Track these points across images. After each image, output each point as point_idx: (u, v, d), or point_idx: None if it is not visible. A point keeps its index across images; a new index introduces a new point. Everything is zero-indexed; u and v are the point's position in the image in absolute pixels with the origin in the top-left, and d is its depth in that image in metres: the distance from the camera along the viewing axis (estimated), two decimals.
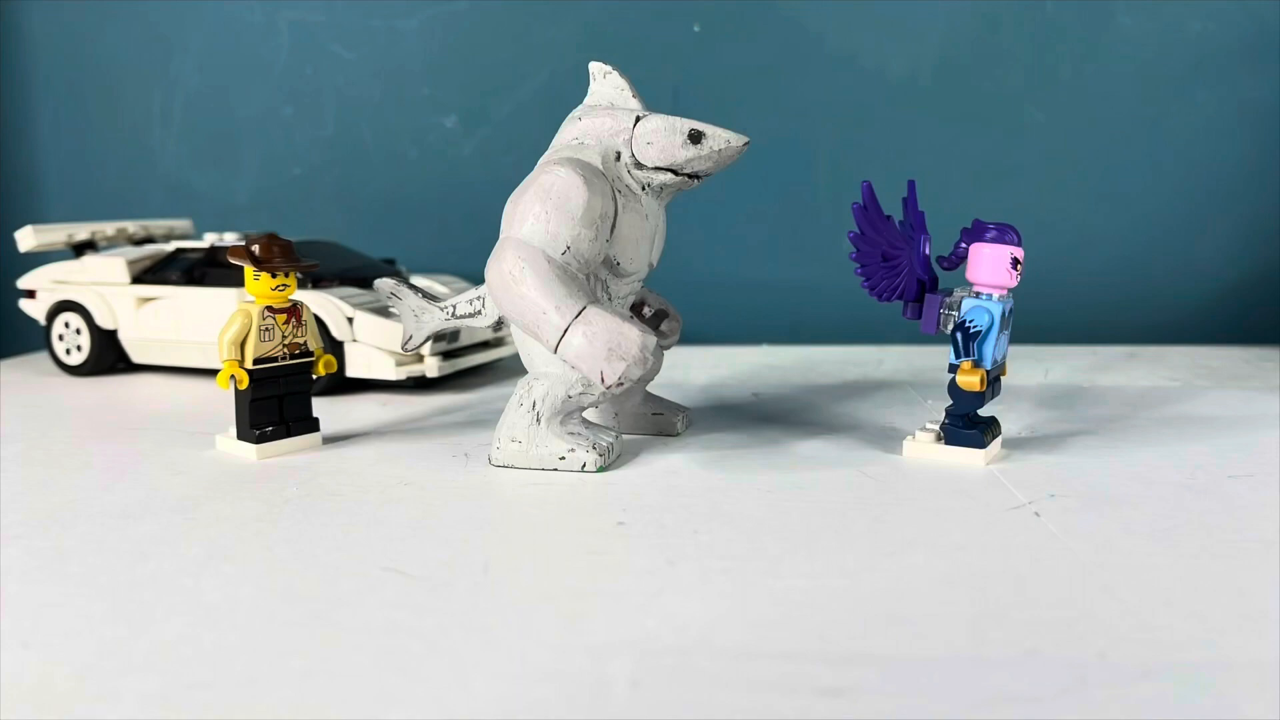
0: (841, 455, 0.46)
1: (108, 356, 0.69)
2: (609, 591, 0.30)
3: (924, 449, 0.46)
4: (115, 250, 0.71)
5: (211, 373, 0.66)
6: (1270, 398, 0.59)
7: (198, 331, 0.65)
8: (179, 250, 0.70)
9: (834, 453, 0.47)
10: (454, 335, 0.63)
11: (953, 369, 0.44)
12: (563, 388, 0.43)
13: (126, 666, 0.26)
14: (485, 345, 0.66)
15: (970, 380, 0.43)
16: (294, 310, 0.48)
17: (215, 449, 0.48)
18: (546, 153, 0.45)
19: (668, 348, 0.51)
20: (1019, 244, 0.44)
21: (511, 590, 0.30)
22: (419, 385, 0.63)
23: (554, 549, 0.34)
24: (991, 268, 0.44)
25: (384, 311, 0.62)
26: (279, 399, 0.47)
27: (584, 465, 0.43)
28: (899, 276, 0.45)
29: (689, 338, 0.60)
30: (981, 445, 0.44)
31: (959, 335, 0.44)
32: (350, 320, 0.61)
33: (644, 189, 0.45)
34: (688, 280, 0.74)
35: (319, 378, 0.49)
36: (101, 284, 0.69)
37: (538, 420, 0.44)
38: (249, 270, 0.46)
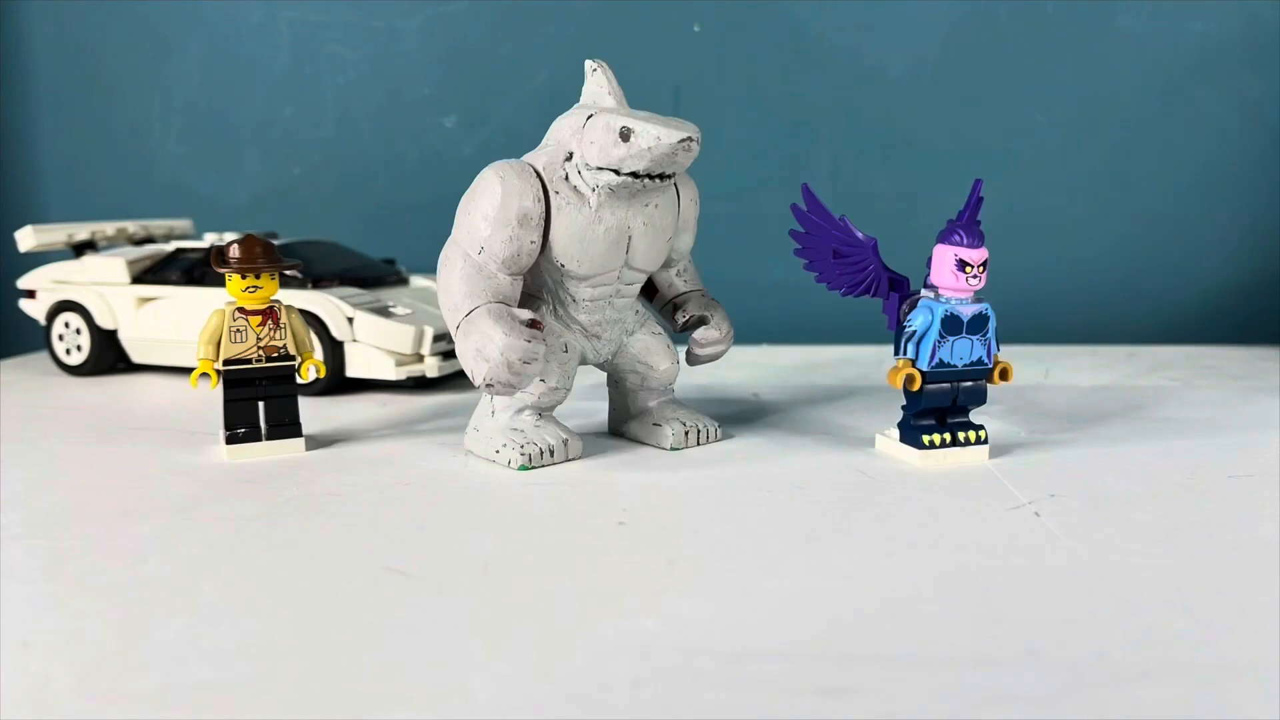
0: (841, 455, 0.46)
1: (108, 356, 0.69)
2: (609, 591, 0.30)
3: (888, 446, 0.46)
4: (115, 250, 0.71)
5: None
6: (1270, 398, 0.59)
7: (198, 332, 0.65)
8: (179, 250, 0.70)
9: (834, 453, 0.47)
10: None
11: None
12: None
13: (126, 666, 0.26)
14: None
15: (893, 377, 0.44)
16: (269, 312, 0.47)
17: (215, 449, 0.48)
18: None
19: (704, 359, 0.49)
20: (974, 245, 0.43)
21: (511, 590, 0.30)
22: (419, 385, 0.63)
23: (554, 549, 0.34)
24: (938, 269, 0.44)
25: (384, 311, 0.62)
26: (258, 402, 0.47)
27: (509, 462, 0.44)
28: (863, 273, 0.46)
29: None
30: (918, 445, 0.45)
31: (897, 333, 0.45)
32: (350, 320, 0.61)
33: (594, 190, 0.43)
34: None
35: (318, 379, 0.48)
36: (101, 284, 0.69)
37: (492, 413, 0.46)
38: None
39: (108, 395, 0.63)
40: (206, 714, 0.23)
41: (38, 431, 0.52)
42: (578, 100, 0.47)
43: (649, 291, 0.51)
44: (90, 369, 0.69)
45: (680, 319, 0.49)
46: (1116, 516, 0.37)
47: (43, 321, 0.70)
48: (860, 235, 0.46)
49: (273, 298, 0.47)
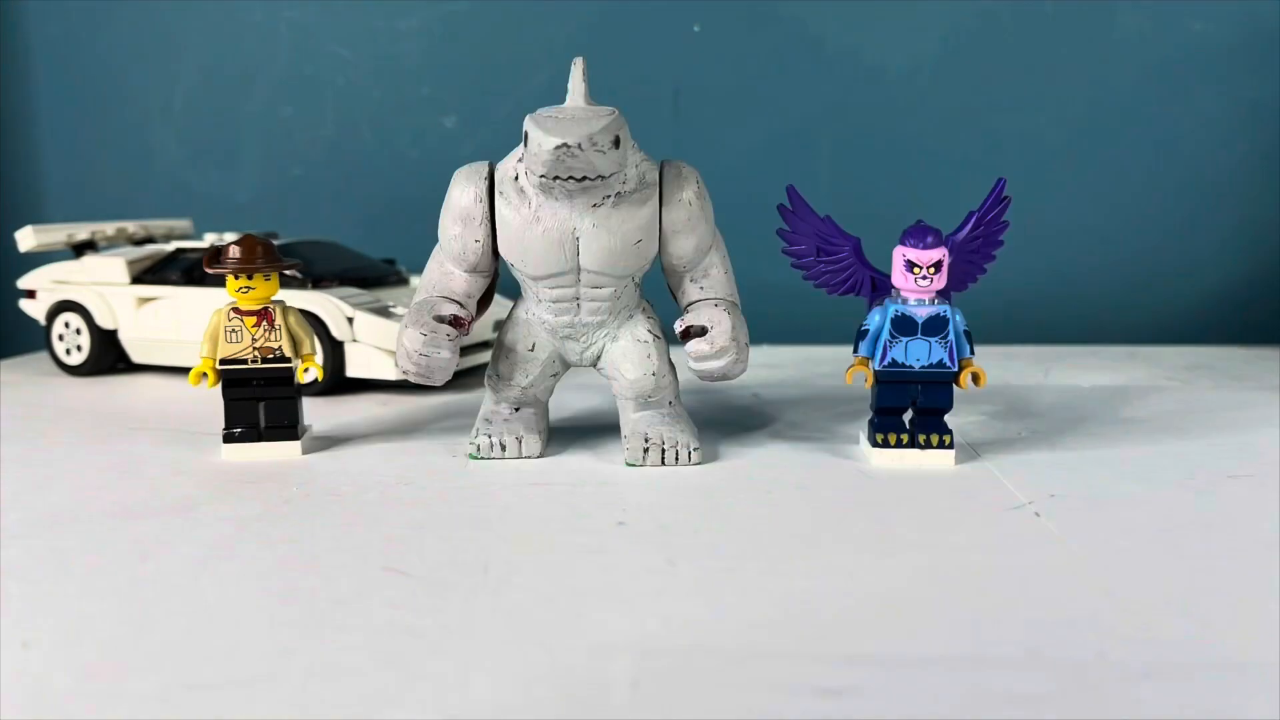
0: (842, 455, 0.46)
1: (108, 356, 0.69)
2: (609, 591, 0.30)
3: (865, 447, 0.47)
4: (115, 250, 0.71)
5: None
6: (1270, 398, 0.59)
7: (198, 332, 0.65)
8: (179, 250, 0.70)
9: (834, 453, 0.47)
10: None
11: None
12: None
13: (126, 666, 0.26)
14: (485, 345, 0.66)
15: (848, 374, 0.45)
16: (264, 314, 0.46)
17: (216, 449, 0.48)
18: None
19: (701, 373, 0.45)
20: (921, 246, 0.43)
21: (511, 590, 0.30)
22: (419, 385, 0.63)
23: (554, 549, 0.34)
24: (894, 270, 0.44)
25: (384, 311, 0.62)
26: (257, 403, 0.47)
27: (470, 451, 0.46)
28: (845, 271, 0.47)
29: None
30: (872, 442, 0.45)
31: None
32: (350, 320, 0.61)
33: (535, 190, 0.42)
34: None
35: (316, 380, 0.48)
36: (101, 284, 0.69)
37: (486, 402, 0.49)
38: None
39: (108, 395, 0.63)
40: (206, 714, 0.23)
41: (38, 431, 0.52)
42: None
43: None
44: (90, 369, 0.69)
45: (678, 328, 0.45)
46: (1116, 516, 0.37)
47: (43, 321, 0.70)
48: (843, 235, 0.47)
49: (272, 298, 0.47)
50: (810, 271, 0.48)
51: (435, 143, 0.89)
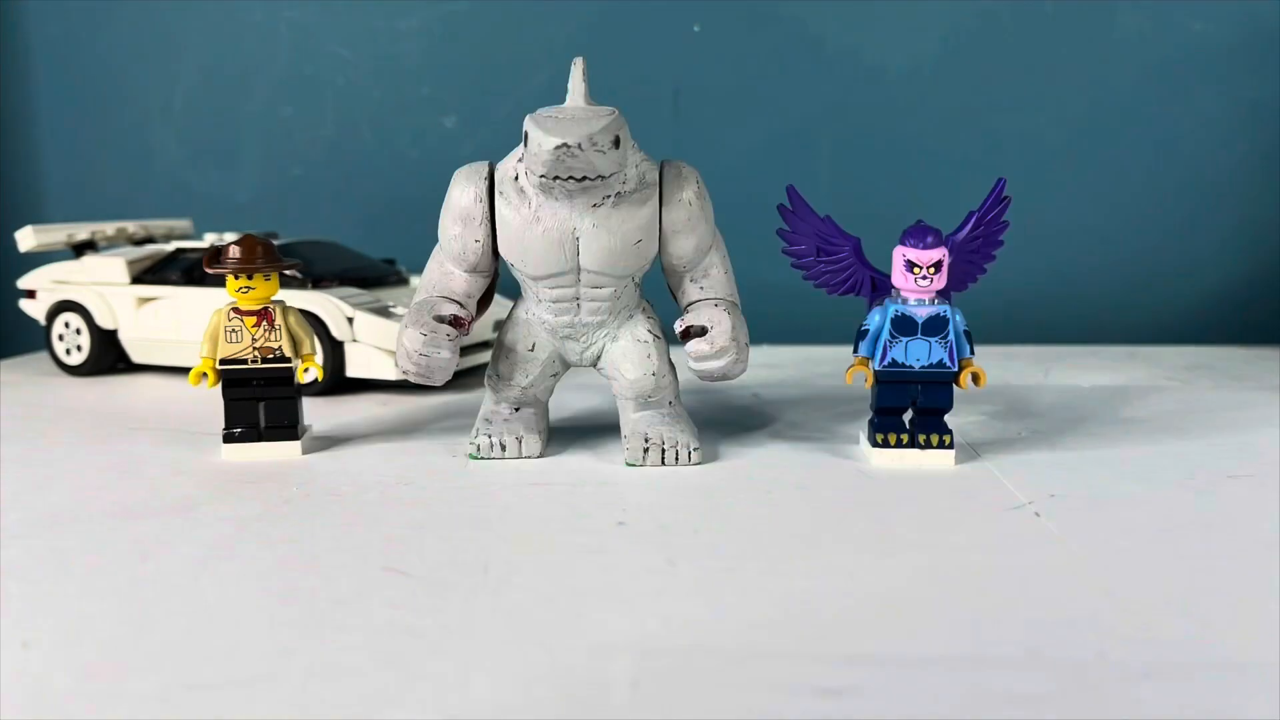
0: (842, 455, 0.46)
1: (108, 356, 0.69)
2: (609, 591, 0.30)
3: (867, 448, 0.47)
4: (115, 250, 0.71)
5: None
6: (1270, 398, 0.59)
7: (198, 332, 0.65)
8: (179, 250, 0.70)
9: (834, 453, 0.47)
10: None
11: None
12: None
13: (126, 666, 0.26)
14: (485, 345, 0.66)
15: (848, 374, 0.45)
16: (264, 314, 0.46)
17: (216, 449, 0.48)
18: None
19: (701, 373, 0.45)
20: (921, 246, 0.43)
21: (511, 590, 0.30)
22: (419, 385, 0.63)
23: (554, 549, 0.34)
24: (894, 270, 0.44)
25: (384, 311, 0.62)
26: (257, 403, 0.47)
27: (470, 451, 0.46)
28: (845, 271, 0.47)
29: None
30: (872, 442, 0.45)
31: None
32: (350, 320, 0.61)
33: (536, 189, 0.42)
34: None
35: (316, 380, 0.48)
36: (101, 284, 0.69)
37: (486, 402, 0.49)
38: None
39: (108, 395, 0.63)
40: (206, 714, 0.23)
41: (38, 431, 0.52)
42: None
43: None
44: (90, 369, 0.69)
45: (678, 328, 0.45)
46: (1116, 516, 0.37)
47: (43, 321, 0.70)
48: (843, 235, 0.47)
49: (272, 298, 0.47)
50: (810, 271, 0.48)
51: (435, 143, 0.89)
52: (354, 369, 0.61)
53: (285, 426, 0.47)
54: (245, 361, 0.46)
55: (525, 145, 0.41)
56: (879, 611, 0.29)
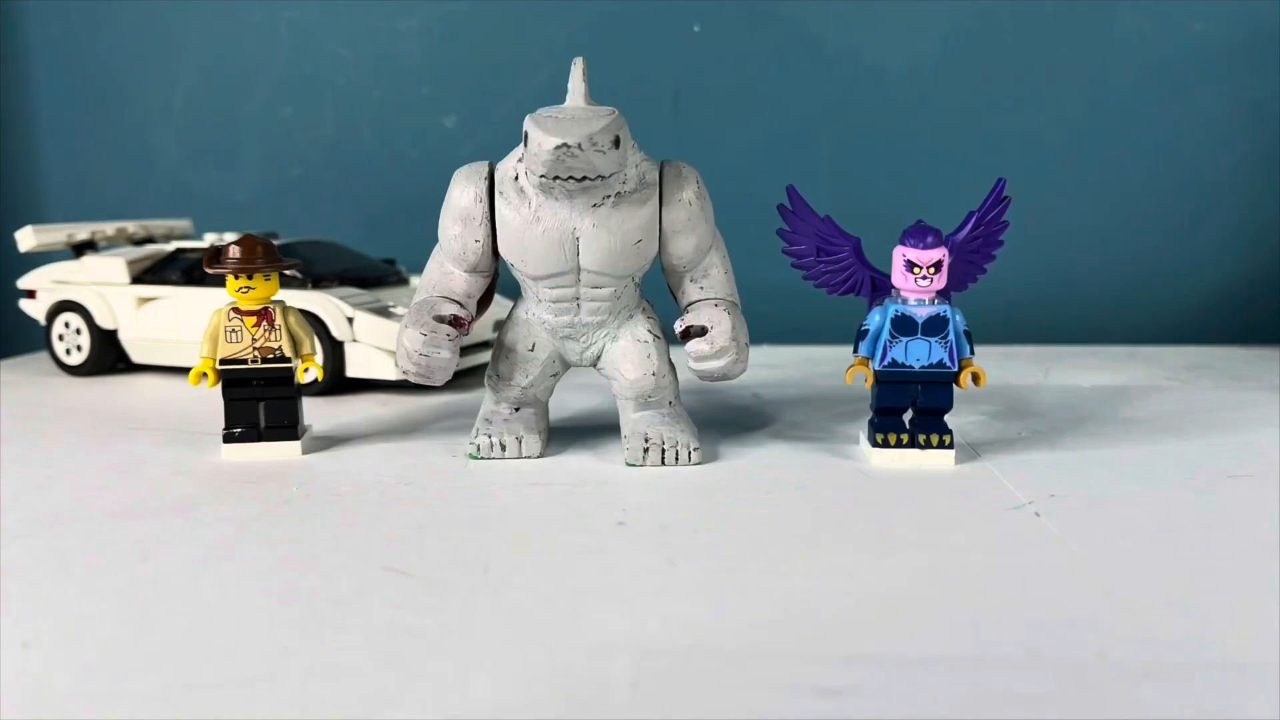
0: (841, 455, 0.46)
1: (108, 356, 0.69)
2: (609, 591, 0.30)
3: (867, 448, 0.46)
4: (115, 250, 0.71)
5: None
6: (1270, 398, 0.59)
7: (198, 332, 0.65)
8: (179, 250, 0.70)
9: (834, 453, 0.47)
10: None
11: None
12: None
13: (126, 666, 0.26)
14: (485, 345, 0.66)
15: (848, 374, 0.45)
16: (264, 314, 0.46)
17: (216, 449, 0.48)
18: None
19: (701, 373, 0.45)
20: (921, 246, 0.43)
21: (511, 590, 0.30)
22: (419, 385, 0.63)
23: (554, 549, 0.34)
24: (894, 270, 0.44)
25: (384, 311, 0.62)
26: (257, 403, 0.47)
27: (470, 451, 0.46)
28: (845, 271, 0.47)
29: None
30: (872, 442, 0.45)
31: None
32: (350, 320, 0.61)
33: (536, 189, 0.42)
34: None
35: (316, 380, 0.48)
36: (101, 284, 0.69)
37: (486, 402, 0.49)
38: None
39: (108, 395, 0.63)
40: (206, 714, 0.23)
41: (38, 431, 0.52)
42: None
43: None
44: (90, 369, 0.69)
45: (678, 328, 0.45)
46: (1116, 516, 0.37)
47: (43, 321, 0.70)
48: (843, 235, 0.47)
49: (272, 298, 0.47)
50: (810, 271, 0.48)
51: (435, 143, 0.89)
52: (354, 369, 0.61)
53: (285, 426, 0.47)
54: (245, 361, 0.46)
55: (525, 145, 0.41)
56: (879, 611, 0.29)
